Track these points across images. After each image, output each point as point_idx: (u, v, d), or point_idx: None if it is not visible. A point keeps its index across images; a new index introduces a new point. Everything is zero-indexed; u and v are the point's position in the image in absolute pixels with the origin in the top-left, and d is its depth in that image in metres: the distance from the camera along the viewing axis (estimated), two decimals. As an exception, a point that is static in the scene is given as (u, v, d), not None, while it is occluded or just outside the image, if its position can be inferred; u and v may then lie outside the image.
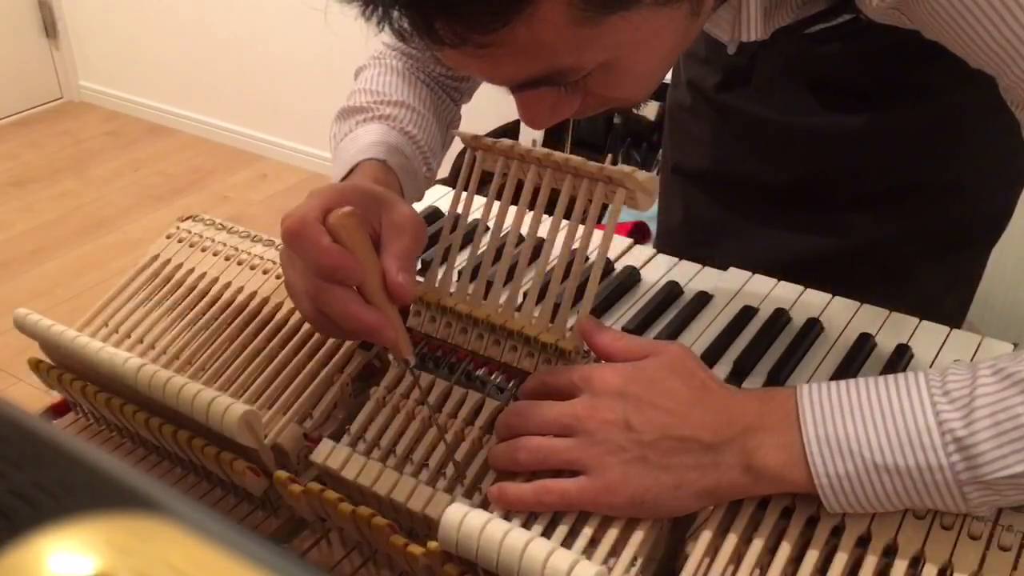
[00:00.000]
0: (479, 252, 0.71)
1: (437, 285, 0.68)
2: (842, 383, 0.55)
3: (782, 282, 0.78)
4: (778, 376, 0.67)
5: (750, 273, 0.79)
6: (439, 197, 0.94)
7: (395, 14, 0.49)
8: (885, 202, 0.88)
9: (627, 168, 0.62)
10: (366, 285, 0.58)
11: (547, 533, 0.55)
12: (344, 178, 0.71)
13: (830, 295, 0.76)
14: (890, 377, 0.54)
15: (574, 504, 0.55)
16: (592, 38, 0.52)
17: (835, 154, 0.88)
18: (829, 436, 0.52)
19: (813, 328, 0.72)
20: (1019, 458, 0.49)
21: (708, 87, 0.93)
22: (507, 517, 0.55)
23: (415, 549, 0.54)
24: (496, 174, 0.68)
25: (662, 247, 0.88)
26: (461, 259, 0.74)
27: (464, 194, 0.69)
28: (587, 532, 0.54)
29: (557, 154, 0.65)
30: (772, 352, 0.70)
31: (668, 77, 1.02)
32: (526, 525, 0.55)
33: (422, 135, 0.79)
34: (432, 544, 0.54)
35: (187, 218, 0.85)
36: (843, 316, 0.73)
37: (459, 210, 0.69)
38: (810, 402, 0.54)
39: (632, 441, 0.55)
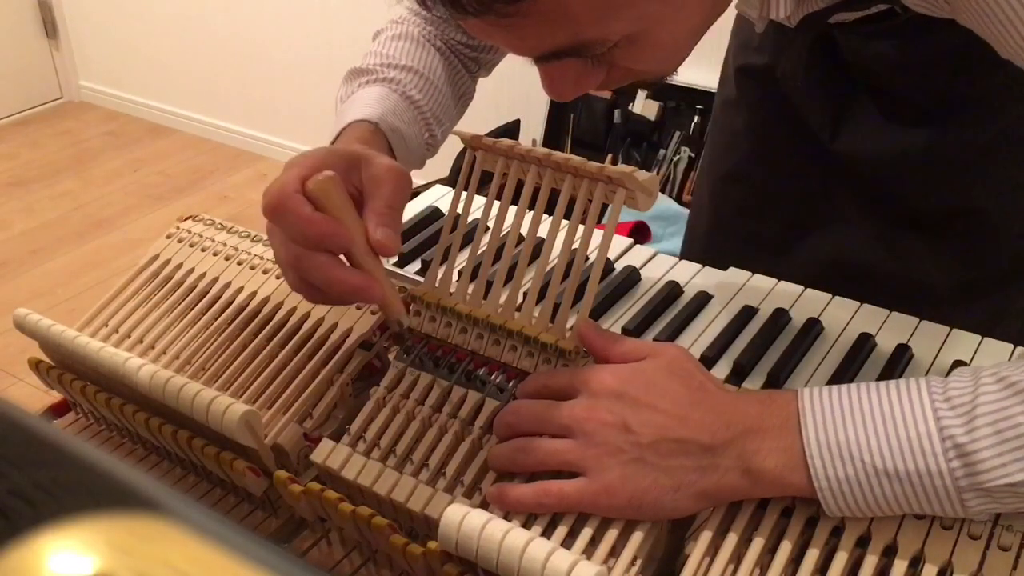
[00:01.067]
0: (479, 252, 0.71)
1: (437, 285, 0.68)
2: (844, 387, 0.54)
3: (782, 282, 0.78)
4: (778, 376, 0.67)
5: (749, 273, 0.79)
6: (439, 197, 0.94)
7: None
8: (936, 221, 0.84)
9: (627, 168, 0.62)
10: (352, 246, 0.58)
11: (547, 533, 0.55)
12: (335, 140, 0.72)
13: (830, 295, 0.76)
14: (892, 382, 0.54)
15: (573, 506, 0.55)
16: (617, 8, 0.51)
17: (885, 170, 0.84)
18: (830, 440, 0.52)
19: (813, 328, 0.72)
20: (1019, 467, 0.49)
21: (760, 69, 0.90)
22: (507, 517, 0.55)
23: (415, 549, 0.54)
24: (496, 174, 0.68)
25: (688, 253, 0.87)
26: (461, 259, 0.74)
27: (464, 194, 0.69)
28: (587, 532, 0.54)
29: (557, 154, 0.65)
30: (772, 352, 0.70)
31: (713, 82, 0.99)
32: (526, 525, 0.55)
33: (426, 101, 0.79)
34: (432, 544, 0.54)
35: (187, 218, 0.85)
36: (843, 316, 0.73)
37: (459, 210, 0.69)
38: (811, 406, 0.54)
39: (630, 443, 0.54)
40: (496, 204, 0.67)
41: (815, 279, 0.77)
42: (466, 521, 0.52)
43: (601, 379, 0.57)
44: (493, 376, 0.64)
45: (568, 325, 0.63)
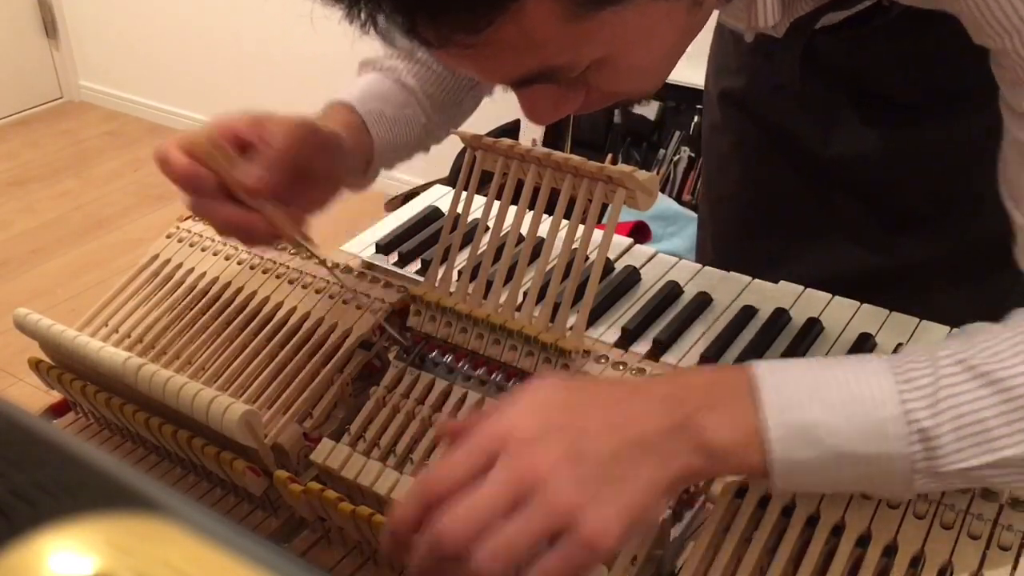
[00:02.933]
0: (479, 252, 0.71)
1: (437, 285, 0.68)
2: (799, 364, 0.52)
3: (782, 282, 0.78)
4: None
5: (749, 278, 0.79)
6: (439, 197, 0.94)
7: (379, 17, 0.49)
8: (930, 218, 0.84)
9: (627, 168, 0.62)
10: (234, 192, 0.64)
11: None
12: None
13: (830, 295, 0.76)
14: (846, 360, 0.52)
15: (585, 565, 0.47)
16: (584, 34, 0.50)
17: (876, 174, 0.84)
18: (792, 423, 0.50)
19: (813, 328, 0.72)
20: (975, 452, 0.49)
21: (739, 93, 0.90)
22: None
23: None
24: (496, 174, 0.68)
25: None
26: (461, 259, 0.74)
27: (464, 194, 0.69)
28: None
29: (557, 154, 0.65)
30: (772, 352, 0.70)
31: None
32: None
33: (423, 86, 0.81)
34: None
35: (187, 218, 0.85)
36: (843, 316, 0.73)
37: (459, 210, 0.69)
38: (771, 385, 0.51)
39: (592, 469, 0.48)
40: (496, 204, 0.67)
41: (818, 289, 0.77)
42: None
43: (515, 426, 0.49)
44: (493, 375, 0.64)
45: (568, 325, 0.63)
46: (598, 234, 0.66)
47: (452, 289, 0.68)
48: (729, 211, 0.96)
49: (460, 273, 0.69)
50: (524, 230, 0.67)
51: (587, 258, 0.66)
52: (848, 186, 0.86)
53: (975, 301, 0.84)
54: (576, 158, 0.64)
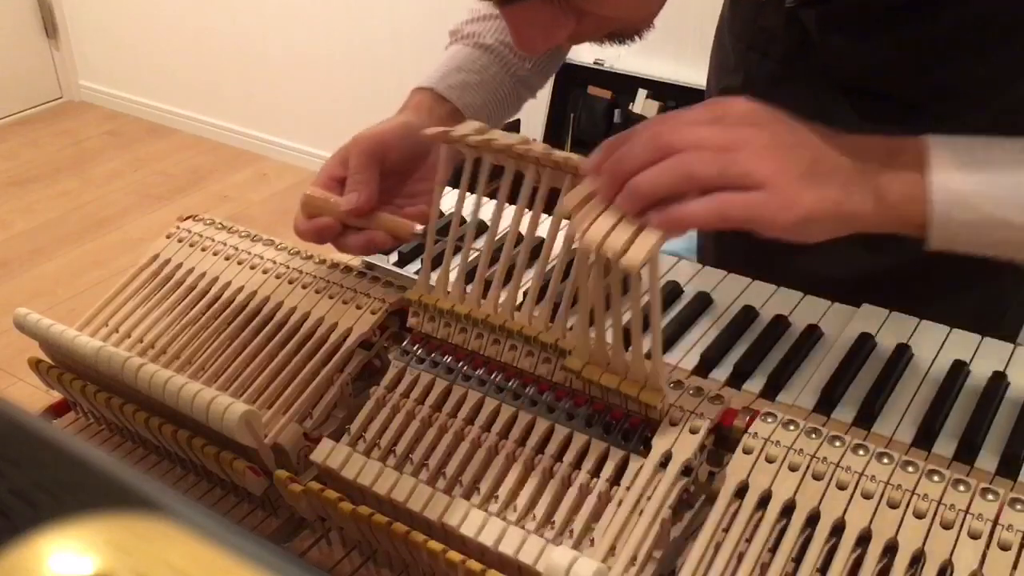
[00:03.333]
0: (477, 252, 0.71)
1: (434, 285, 0.68)
2: (974, 139, 0.55)
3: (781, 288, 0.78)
4: (779, 376, 0.67)
5: (749, 280, 0.79)
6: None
7: None
8: None
9: None
10: (346, 222, 0.71)
11: (544, 531, 0.55)
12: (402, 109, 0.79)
13: (829, 302, 0.76)
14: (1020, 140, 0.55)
15: (755, 220, 0.53)
16: None
17: None
18: (951, 185, 0.53)
19: (815, 331, 0.72)
20: None
21: (737, 91, 0.88)
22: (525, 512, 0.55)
23: (417, 536, 0.54)
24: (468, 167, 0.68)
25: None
26: (462, 259, 0.74)
27: (469, 195, 0.69)
28: (587, 531, 0.54)
29: (557, 152, 0.64)
30: (774, 352, 0.70)
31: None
32: (523, 525, 0.55)
33: (503, 38, 0.82)
34: (433, 544, 0.54)
35: (187, 218, 0.85)
36: (843, 316, 0.73)
37: (461, 211, 0.69)
38: (941, 150, 0.54)
39: (800, 157, 0.53)
40: (492, 203, 0.67)
41: (816, 293, 0.77)
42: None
43: (728, 106, 0.55)
44: (493, 375, 0.64)
45: (568, 325, 0.63)
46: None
47: (449, 289, 0.68)
48: None
49: (458, 274, 0.69)
50: (523, 229, 0.67)
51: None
52: None
53: (976, 303, 0.84)
54: (575, 156, 0.63)
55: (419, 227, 0.71)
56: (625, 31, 0.62)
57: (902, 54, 0.77)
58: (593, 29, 0.59)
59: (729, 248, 0.95)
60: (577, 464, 0.59)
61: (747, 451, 0.58)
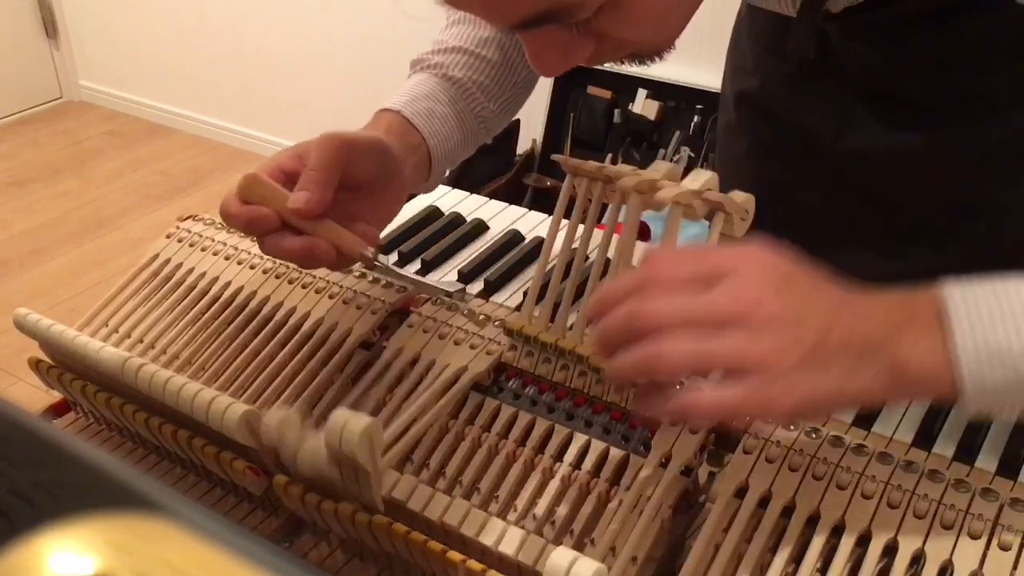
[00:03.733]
0: (561, 279, 0.69)
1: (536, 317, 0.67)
2: (991, 284, 0.51)
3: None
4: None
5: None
6: (439, 197, 0.94)
7: None
8: (945, 226, 0.82)
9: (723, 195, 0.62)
10: (287, 219, 0.64)
11: (544, 531, 0.55)
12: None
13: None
14: None
15: (744, 413, 0.50)
16: None
17: (890, 175, 0.82)
18: (979, 344, 0.49)
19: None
20: None
21: (754, 93, 0.89)
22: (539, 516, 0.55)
23: (417, 536, 0.54)
24: (580, 196, 0.67)
25: None
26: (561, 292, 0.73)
27: (563, 221, 0.69)
28: (587, 531, 0.54)
29: (647, 174, 0.64)
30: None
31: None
32: (523, 525, 0.55)
33: (473, 75, 0.80)
34: (433, 544, 0.54)
35: (187, 218, 0.85)
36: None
37: (560, 239, 0.69)
38: (962, 305, 0.50)
39: (801, 339, 0.49)
40: (581, 227, 0.67)
41: None
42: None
43: (739, 261, 0.51)
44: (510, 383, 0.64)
45: (568, 324, 0.63)
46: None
47: (534, 315, 0.67)
48: None
49: (526, 295, 0.68)
50: (610, 254, 0.67)
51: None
52: (862, 190, 0.84)
53: None
54: (716, 197, 0.62)
55: (370, 249, 0.65)
56: (645, 52, 0.60)
57: (925, 61, 0.76)
58: (612, 51, 0.57)
59: None
60: (577, 464, 0.59)
61: (747, 451, 0.58)
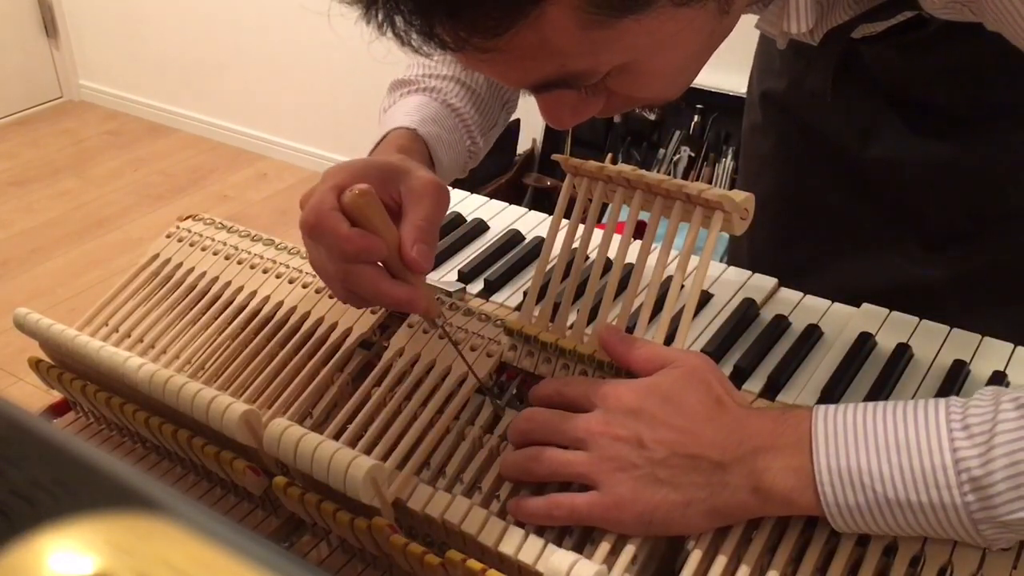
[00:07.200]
0: (561, 278, 0.69)
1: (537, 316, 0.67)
2: (860, 408, 0.53)
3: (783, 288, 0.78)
4: (779, 376, 0.67)
5: (750, 272, 0.79)
6: (459, 202, 0.93)
7: (398, 19, 0.47)
8: (970, 233, 0.81)
9: (722, 191, 0.61)
10: (390, 259, 0.59)
11: (546, 532, 0.55)
12: (375, 147, 0.72)
13: (829, 301, 0.76)
14: (910, 404, 0.52)
15: (583, 519, 0.55)
16: (604, 41, 0.49)
17: (918, 183, 0.81)
18: (841, 467, 0.51)
19: (815, 331, 0.72)
20: None
21: (781, 95, 0.88)
22: (521, 525, 0.55)
23: (415, 548, 0.54)
24: (580, 196, 0.67)
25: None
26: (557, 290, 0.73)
27: (563, 221, 0.69)
28: (588, 531, 0.54)
29: (648, 175, 0.64)
30: (774, 351, 0.70)
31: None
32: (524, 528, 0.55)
33: (468, 108, 0.79)
34: (431, 558, 0.54)
35: (187, 217, 0.85)
36: (843, 316, 0.73)
37: (557, 238, 0.68)
38: (824, 428, 0.52)
39: (643, 458, 0.54)
40: (581, 228, 0.67)
41: (849, 300, 0.75)
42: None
43: (618, 395, 0.57)
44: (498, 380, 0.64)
45: (569, 324, 0.63)
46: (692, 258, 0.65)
47: (535, 316, 0.66)
48: (764, 217, 0.94)
49: (526, 295, 0.68)
50: (611, 254, 0.67)
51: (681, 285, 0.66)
52: (887, 195, 0.84)
53: (1014, 321, 0.81)
54: (669, 180, 0.62)
55: (442, 315, 0.64)
56: (655, 103, 0.62)
57: (953, 70, 0.75)
58: (622, 104, 0.59)
59: (759, 255, 0.93)
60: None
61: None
